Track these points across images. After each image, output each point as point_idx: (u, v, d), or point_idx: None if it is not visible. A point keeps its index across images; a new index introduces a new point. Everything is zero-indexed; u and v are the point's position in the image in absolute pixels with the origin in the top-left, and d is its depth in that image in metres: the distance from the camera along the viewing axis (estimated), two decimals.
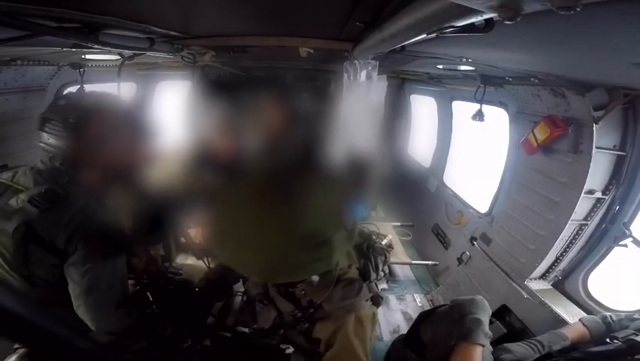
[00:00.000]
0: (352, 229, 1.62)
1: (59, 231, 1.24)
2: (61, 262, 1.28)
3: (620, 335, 1.56)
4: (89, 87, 2.87)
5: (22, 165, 1.39)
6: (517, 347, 1.63)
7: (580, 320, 1.83)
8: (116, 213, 1.41)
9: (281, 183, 1.36)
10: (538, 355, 1.59)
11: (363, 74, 2.03)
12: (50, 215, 1.24)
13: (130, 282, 1.67)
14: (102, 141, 1.37)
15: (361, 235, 1.82)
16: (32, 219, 1.22)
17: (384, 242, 3.67)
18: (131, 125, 1.47)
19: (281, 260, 1.46)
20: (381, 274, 1.75)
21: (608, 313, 1.81)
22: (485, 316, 1.57)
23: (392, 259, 3.63)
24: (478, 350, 1.46)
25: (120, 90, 2.92)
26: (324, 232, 1.48)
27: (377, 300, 1.66)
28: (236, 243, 1.51)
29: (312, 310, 1.56)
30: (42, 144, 1.34)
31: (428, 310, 1.88)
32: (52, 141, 1.32)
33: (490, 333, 1.53)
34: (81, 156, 1.35)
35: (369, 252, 1.74)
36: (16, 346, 1.34)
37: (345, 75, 2.13)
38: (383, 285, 1.66)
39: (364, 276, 1.65)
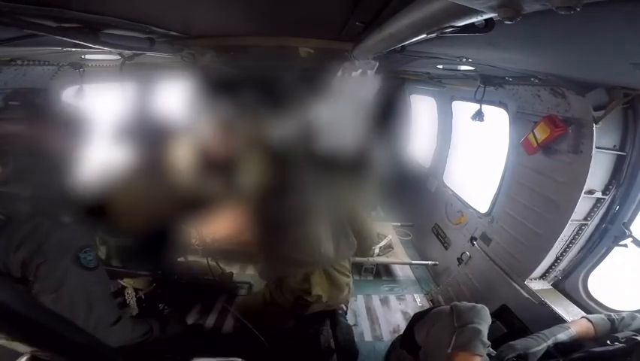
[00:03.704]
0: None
1: (8, 259, 1.11)
2: (29, 289, 1.14)
3: (621, 335, 1.56)
4: (88, 87, 2.87)
5: None
6: (519, 341, 1.63)
7: (583, 316, 1.82)
8: (82, 225, 1.26)
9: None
10: (543, 344, 1.58)
11: (357, 71, 2.03)
12: None
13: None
14: (33, 145, 1.20)
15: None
16: None
17: (383, 243, 3.68)
18: (59, 123, 1.30)
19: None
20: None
21: (610, 313, 1.81)
22: (485, 325, 1.56)
23: (392, 259, 3.65)
24: (476, 360, 1.47)
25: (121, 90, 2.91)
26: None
27: None
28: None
29: None
30: None
31: (422, 312, 1.89)
32: None
33: (488, 343, 1.53)
34: (15, 169, 1.17)
35: None
36: None
37: (340, 72, 2.13)
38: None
39: None
